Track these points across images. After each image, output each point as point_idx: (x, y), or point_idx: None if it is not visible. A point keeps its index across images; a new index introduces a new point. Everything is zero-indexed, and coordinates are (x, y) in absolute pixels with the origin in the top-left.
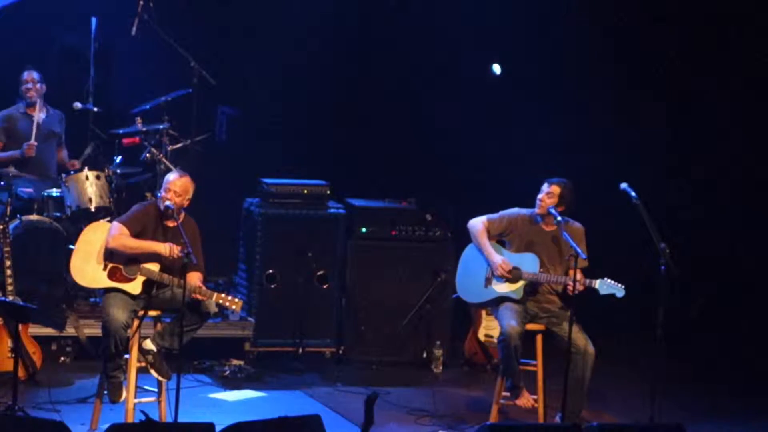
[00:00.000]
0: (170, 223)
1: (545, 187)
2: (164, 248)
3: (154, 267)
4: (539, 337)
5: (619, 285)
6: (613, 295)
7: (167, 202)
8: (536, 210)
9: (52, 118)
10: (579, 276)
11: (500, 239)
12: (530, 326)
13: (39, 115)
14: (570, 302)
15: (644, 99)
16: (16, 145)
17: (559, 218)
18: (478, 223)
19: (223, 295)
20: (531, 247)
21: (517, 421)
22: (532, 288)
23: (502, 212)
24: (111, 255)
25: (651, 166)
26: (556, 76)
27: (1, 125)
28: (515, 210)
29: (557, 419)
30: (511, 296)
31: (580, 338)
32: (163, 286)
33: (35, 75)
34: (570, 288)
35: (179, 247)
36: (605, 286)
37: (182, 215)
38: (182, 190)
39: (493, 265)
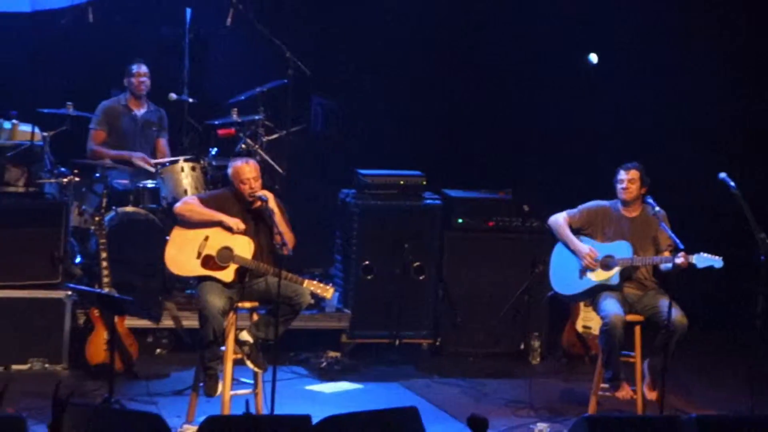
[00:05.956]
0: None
1: (624, 175)
2: (231, 221)
3: (247, 255)
4: (638, 329)
5: (716, 257)
6: (711, 268)
7: (258, 194)
8: (623, 197)
9: (151, 114)
10: (681, 253)
11: (581, 234)
12: (629, 317)
13: (140, 110)
14: (666, 283)
15: (743, 86)
16: (116, 138)
17: (657, 208)
18: (559, 219)
19: (314, 282)
20: (615, 235)
21: (615, 413)
22: (628, 273)
23: (581, 206)
24: (204, 243)
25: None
26: (654, 66)
27: (103, 117)
28: (594, 202)
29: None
30: (608, 284)
31: (679, 317)
32: (257, 276)
33: (144, 69)
34: (679, 262)
35: (244, 226)
36: (702, 260)
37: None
38: (258, 173)
39: (581, 255)
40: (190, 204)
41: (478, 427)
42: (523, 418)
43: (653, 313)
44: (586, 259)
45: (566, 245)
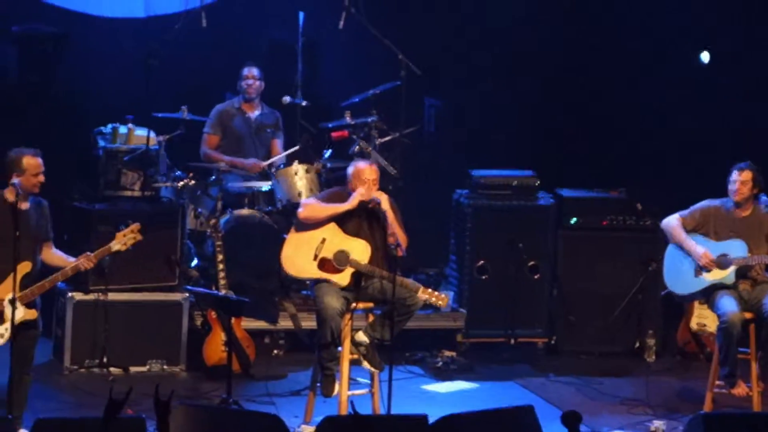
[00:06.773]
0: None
1: (736, 176)
2: (355, 196)
3: (363, 259)
4: (752, 326)
5: None
6: None
7: (373, 197)
8: (734, 198)
9: (266, 117)
10: None
11: (694, 234)
12: (745, 315)
13: (254, 112)
14: None
15: None
16: (230, 141)
17: None
18: (672, 221)
19: (429, 290)
20: (728, 234)
21: (731, 410)
22: (743, 271)
23: (692, 207)
24: (321, 246)
25: None
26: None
27: (217, 120)
28: (705, 202)
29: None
30: (724, 283)
31: None
32: (372, 277)
33: (255, 72)
34: None
35: (370, 193)
36: None
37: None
38: (377, 177)
39: (696, 256)
40: (310, 205)
41: (571, 422)
42: (638, 416)
43: (758, 306)
44: (702, 259)
45: (681, 247)
